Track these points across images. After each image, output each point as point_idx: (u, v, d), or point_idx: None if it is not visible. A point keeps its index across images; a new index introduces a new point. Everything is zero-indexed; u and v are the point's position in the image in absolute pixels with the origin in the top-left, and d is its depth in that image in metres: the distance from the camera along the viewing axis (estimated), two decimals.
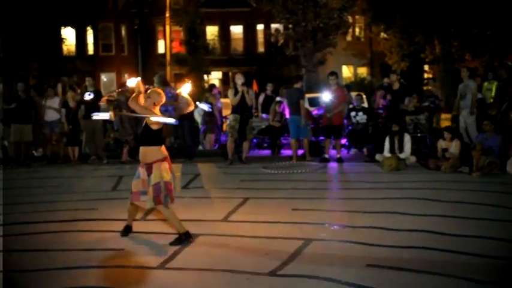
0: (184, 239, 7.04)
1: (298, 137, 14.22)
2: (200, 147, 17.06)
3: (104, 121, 15.56)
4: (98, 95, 15.09)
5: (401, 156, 12.52)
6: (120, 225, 7.92)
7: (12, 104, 14.56)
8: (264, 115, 16.98)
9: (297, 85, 14.50)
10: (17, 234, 7.88)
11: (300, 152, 14.68)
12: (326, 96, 14.05)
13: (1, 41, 23.95)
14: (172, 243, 7.00)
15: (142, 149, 7.18)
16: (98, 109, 14.56)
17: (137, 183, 7.21)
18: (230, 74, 41.62)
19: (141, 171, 7.17)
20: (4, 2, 23.39)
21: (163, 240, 7.25)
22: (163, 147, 7.22)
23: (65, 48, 38.04)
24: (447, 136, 12.26)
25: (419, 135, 14.92)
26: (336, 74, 14.22)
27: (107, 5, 31.62)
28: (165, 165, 7.13)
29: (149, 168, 7.08)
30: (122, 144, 15.19)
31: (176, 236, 7.14)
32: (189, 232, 7.11)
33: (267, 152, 16.28)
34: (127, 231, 7.56)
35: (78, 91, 16.09)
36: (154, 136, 7.14)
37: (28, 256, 6.86)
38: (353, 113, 15.36)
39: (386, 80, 17.86)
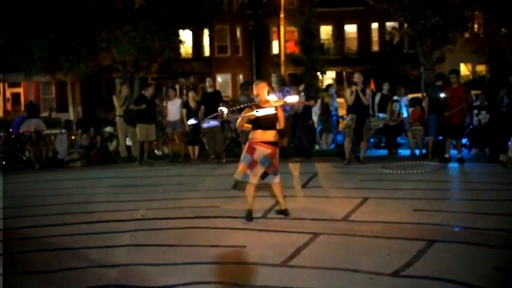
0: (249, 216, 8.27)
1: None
2: (317, 147, 17.10)
3: (222, 121, 15.93)
4: (217, 95, 15.48)
5: None
6: (243, 223, 8.13)
7: (143, 105, 15.13)
8: (380, 114, 16.78)
9: (439, 83, 14.39)
10: (144, 229, 8.21)
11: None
12: (442, 95, 13.74)
13: (122, 44, 24.87)
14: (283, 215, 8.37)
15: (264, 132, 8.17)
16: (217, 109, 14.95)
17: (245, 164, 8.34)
18: (344, 73, 41.38)
19: (258, 150, 8.17)
20: (124, 6, 24.37)
21: (285, 238, 7.34)
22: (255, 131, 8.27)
23: (182, 50, 39.14)
24: None
25: None
26: (456, 72, 13.88)
27: (222, 7, 32.22)
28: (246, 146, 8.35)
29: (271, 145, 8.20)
30: (240, 143, 15.47)
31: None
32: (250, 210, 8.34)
33: (384, 151, 16.08)
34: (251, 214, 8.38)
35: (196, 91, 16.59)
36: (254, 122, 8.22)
37: (155, 251, 7.13)
38: (475, 112, 14.90)
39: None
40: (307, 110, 14.83)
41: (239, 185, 8.65)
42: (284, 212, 8.45)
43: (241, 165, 8.28)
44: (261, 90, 8.35)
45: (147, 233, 8.00)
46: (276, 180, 8.28)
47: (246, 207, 8.33)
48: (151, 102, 15.37)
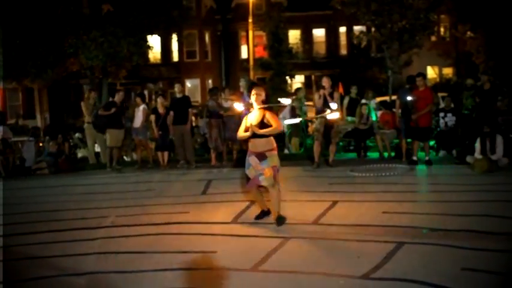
0: (281, 220, 8.10)
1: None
2: (286, 151, 17.13)
3: (192, 126, 15.92)
4: (186, 100, 15.44)
5: (493, 157, 12.20)
6: (212, 228, 8.13)
7: (112, 109, 15.04)
8: (349, 118, 16.87)
9: (408, 86, 14.59)
10: (111, 237, 8.15)
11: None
12: (410, 97, 13.88)
13: (90, 50, 24.70)
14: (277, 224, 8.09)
15: (254, 140, 8.20)
16: (187, 114, 14.94)
17: (251, 170, 8.23)
18: (313, 77, 41.54)
19: (252, 159, 8.21)
20: (91, 11, 24.20)
21: (255, 243, 7.35)
22: (272, 139, 8.25)
23: (151, 55, 38.98)
24: None
25: (511, 136, 14.46)
26: (423, 75, 14.01)
27: (190, 12, 32.16)
28: (276, 153, 8.24)
29: (260, 155, 8.13)
30: (209, 148, 15.47)
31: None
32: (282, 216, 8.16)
33: (353, 154, 16.17)
34: (263, 215, 8.61)
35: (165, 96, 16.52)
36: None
37: (125, 258, 7.08)
38: (441, 114, 15.07)
39: (469, 81, 17.45)
40: None
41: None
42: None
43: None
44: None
45: (116, 240, 7.93)
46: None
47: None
48: (120, 107, 15.26)
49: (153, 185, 12.78)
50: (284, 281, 5.93)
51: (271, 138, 8.23)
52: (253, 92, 8.39)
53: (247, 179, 8.35)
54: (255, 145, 8.22)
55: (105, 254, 7.22)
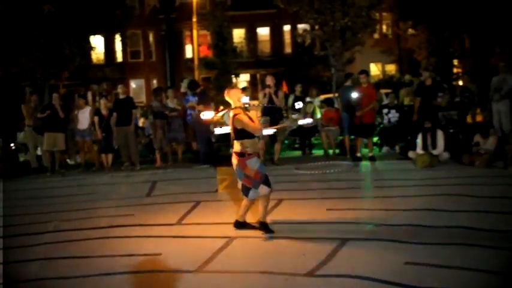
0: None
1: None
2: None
3: (136, 127, 15.74)
4: (130, 101, 15.29)
5: (435, 152, 12.42)
6: (157, 230, 8.06)
7: (46, 112, 14.78)
8: (294, 116, 16.95)
9: (348, 83, 14.66)
10: (55, 242, 7.98)
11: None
12: (354, 94, 14.02)
13: (31, 51, 24.24)
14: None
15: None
16: (130, 115, 14.78)
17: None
18: (258, 75, 41.64)
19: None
20: (32, 12, 23.69)
21: (200, 244, 7.31)
22: (240, 142, 7.68)
23: (94, 56, 38.41)
24: (483, 131, 12.15)
25: (451, 131, 14.76)
26: (366, 72, 14.19)
27: (133, 12, 31.84)
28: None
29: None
30: (154, 150, 15.33)
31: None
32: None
33: (298, 152, 16.26)
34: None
35: (109, 98, 16.27)
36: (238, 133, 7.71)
37: (66, 263, 6.95)
38: (385, 111, 15.27)
39: (408, 76, 17.76)
40: None
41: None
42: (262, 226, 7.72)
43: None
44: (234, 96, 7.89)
45: (60, 245, 7.78)
46: (262, 192, 7.63)
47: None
48: (56, 110, 14.94)
49: (97, 188, 12.59)
50: (229, 281, 5.92)
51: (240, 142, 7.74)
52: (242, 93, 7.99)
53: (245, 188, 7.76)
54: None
55: (48, 260, 7.07)
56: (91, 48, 28.26)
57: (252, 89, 20.51)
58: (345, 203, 9.26)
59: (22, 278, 6.41)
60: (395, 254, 6.35)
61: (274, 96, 13.39)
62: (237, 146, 7.69)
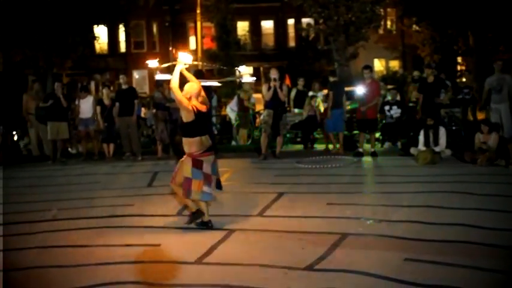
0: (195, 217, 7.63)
1: (335, 131, 14.35)
2: (233, 143, 17.12)
3: (138, 118, 15.73)
4: (132, 91, 15.29)
5: (437, 149, 12.40)
6: (157, 221, 8.06)
7: (49, 102, 14.77)
8: (296, 110, 16.95)
9: (336, 78, 14.66)
10: (56, 230, 7.99)
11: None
12: (360, 90, 13.99)
13: (34, 40, 24.21)
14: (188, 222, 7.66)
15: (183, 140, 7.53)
16: (133, 106, 14.77)
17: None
18: (261, 69, 41.58)
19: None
20: (37, 1, 23.65)
21: (199, 236, 7.30)
22: (194, 140, 7.41)
23: (97, 46, 38.38)
24: (484, 129, 12.12)
25: (453, 128, 14.75)
26: (370, 67, 14.14)
27: (138, 2, 31.76)
28: (188, 159, 7.40)
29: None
30: (155, 140, 15.34)
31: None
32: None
33: (300, 146, 16.25)
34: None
35: (111, 88, 16.24)
36: (185, 128, 7.48)
37: (67, 252, 6.95)
38: (387, 107, 15.24)
39: (416, 73, 17.69)
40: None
41: (198, 214, 7.65)
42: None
43: (195, 183, 7.38)
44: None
45: (58, 234, 7.77)
46: None
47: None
48: (60, 99, 14.92)
49: (98, 177, 12.59)
50: (228, 273, 5.90)
51: (187, 138, 7.47)
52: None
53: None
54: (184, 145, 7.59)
55: (46, 248, 7.07)
56: (94, 37, 28.18)
57: (255, 82, 20.45)
58: (345, 198, 9.24)
59: (18, 266, 6.40)
60: (395, 250, 6.34)
61: (279, 90, 13.36)
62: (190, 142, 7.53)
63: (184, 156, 7.51)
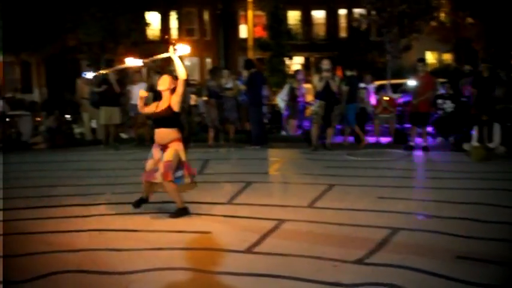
0: (182, 213, 7.77)
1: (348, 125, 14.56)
2: (283, 133, 17.13)
3: (189, 105, 15.85)
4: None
5: (491, 146, 12.19)
6: (208, 208, 8.13)
7: (102, 87, 15.01)
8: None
9: (353, 73, 14.65)
10: (107, 214, 8.15)
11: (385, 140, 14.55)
12: (412, 83, 13.84)
13: (88, 25, 24.58)
14: (172, 216, 7.78)
15: (158, 131, 7.88)
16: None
17: (151, 162, 7.91)
18: (312, 59, 41.45)
19: (155, 151, 7.88)
20: None
21: (250, 225, 7.34)
22: (177, 130, 7.90)
23: (149, 32, 38.76)
24: None
25: (509, 124, 14.43)
26: (424, 60, 14.02)
27: None
28: (181, 145, 7.87)
29: (164, 148, 7.79)
30: (207, 128, 15.44)
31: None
32: (187, 208, 7.88)
33: (351, 138, 16.15)
34: (140, 203, 8.09)
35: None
36: (171, 119, 7.84)
37: (119, 236, 7.06)
38: (440, 101, 15.02)
39: (468, 67, 17.38)
40: (257, 96, 14.71)
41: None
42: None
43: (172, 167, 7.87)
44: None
45: (111, 218, 7.92)
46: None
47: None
48: (112, 84, 15.12)
49: None
50: (277, 263, 5.92)
51: (171, 129, 7.87)
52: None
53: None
54: (159, 136, 7.91)
55: (99, 231, 7.21)
56: (147, 24, 28.47)
57: (305, 72, 20.40)
58: (396, 192, 9.16)
59: (72, 248, 6.51)
60: (447, 247, 6.25)
61: (331, 81, 13.32)
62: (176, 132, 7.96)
63: (173, 143, 7.80)
